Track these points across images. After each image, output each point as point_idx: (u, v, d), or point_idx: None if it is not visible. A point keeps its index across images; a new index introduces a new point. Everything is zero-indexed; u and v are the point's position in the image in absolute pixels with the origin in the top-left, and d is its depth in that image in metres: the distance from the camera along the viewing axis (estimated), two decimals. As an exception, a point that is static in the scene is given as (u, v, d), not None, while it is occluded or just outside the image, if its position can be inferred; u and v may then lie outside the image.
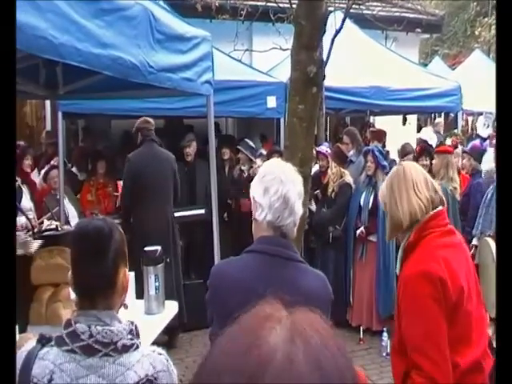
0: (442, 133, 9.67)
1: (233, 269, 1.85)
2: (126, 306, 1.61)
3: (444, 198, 2.18)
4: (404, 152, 6.97)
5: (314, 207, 5.70)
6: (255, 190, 1.81)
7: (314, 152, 5.85)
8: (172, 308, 3.56)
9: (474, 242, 5.04)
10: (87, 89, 4.23)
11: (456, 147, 6.10)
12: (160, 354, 1.48)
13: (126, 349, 1.41)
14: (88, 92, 4.37)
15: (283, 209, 1.75)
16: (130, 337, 1.43)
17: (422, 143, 6.98)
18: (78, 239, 1.52)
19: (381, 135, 7.51)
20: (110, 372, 1.37)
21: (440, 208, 2.11)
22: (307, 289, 1.77)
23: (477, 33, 22.96)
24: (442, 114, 10.80)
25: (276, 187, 1.75)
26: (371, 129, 8.34)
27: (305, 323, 0.68)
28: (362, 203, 5.34)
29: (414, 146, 7.42)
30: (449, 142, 7.25)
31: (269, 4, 7.36)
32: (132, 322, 1.49)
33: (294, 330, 0.66)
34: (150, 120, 5.15)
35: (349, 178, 5.65)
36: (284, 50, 6.23)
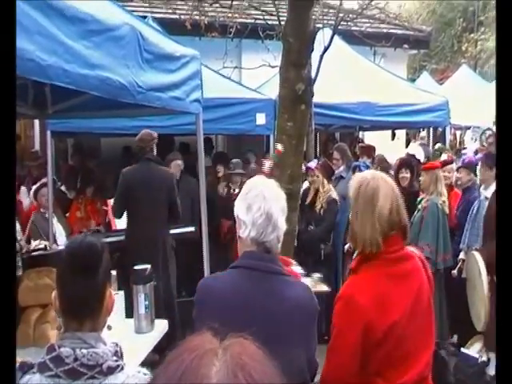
0: (428, 146, 9.76)
1: (218, 284, 1.87)
2: (109, 328, 1.59)
3: (407, 223, 2.09)
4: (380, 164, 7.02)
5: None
6: (239, 207, 1.83)
7: (304, 169, 5.88)
8: (162, 327, 3.53)
9: (462, 256, 5.06)
10: (76, 108, 4.24)
11: (452, 162, 6.13)
12: (145, 375, 1.47)
13: (112, 370, 1.40)
14: (77, 111, 4.38)
15: (266, 225, 1.77)
16: (115, 358, 1.42)
17: (407, 157, 7.02)
18: (69, 255, 1.50)
19: (370, 151, 7.57)
20: None
21: (394, 232, 2.03)
22: (293, 301, 1.79)
23: (463, 48, 23.31)
24: (431, 128, 10.92)
25: (259, 204, 1.77)
26: (360, 144, 8.40)
27: (242, 354, 0.68)
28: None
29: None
30: (444, 156, 7.28)
31: (258, 21, 7.43)
32: (117, 344, 1.47)
33: (233, 363, 0.66)
34: (147, 134, 5.10)
35: (335, 194, 5.67)
36: (273, 67, 6.27)
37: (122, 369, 1.42)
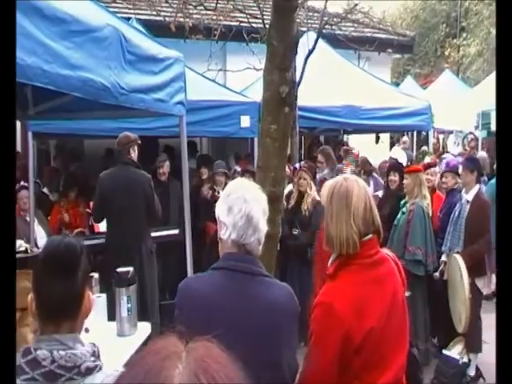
0: (410, 150, 9.86)
1: (199, 285, 1.86)
2: (87, 330, 1.57)
3: (380, 224, 2.09)
4: (363, 167, 7.09)
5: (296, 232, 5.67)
6: (220, 209, 1.83)
7: (289, 171, 5.89)
8: (145, 329, 3.51)
9: (443, 258, 5.11)
10: (58, 109, 4.20)
11: (432, 166, 6.19)
12: None
13: (90, 371, 1.38)
14: (59, 112, 4.33)
15: (247, 227, 1.77)
16: (93, 359, 1.41)
17: (393, 160, 7.09)
18: (48, 256, 1.47)
19: (354, 154, 7.60)
20: None
21: (370, 236, 2.04)
22: (273, 302, 1.79)
23: (446, 53, 23.59)
24: (414, 132, 11.03)
25: (239, 206, 1.77)
26: (344, 147, 8.45)
27: (205, 356, 0.68)
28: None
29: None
30: (428, 159, 7.35)
31: (242, 24, 7.44)
32: (94, 344, 1.46)
33: (196, 366, 0.66)
34: (127, 137, 5.07)
35: (318, 197, 5.69)
36: (258, 69, 6.28)
37: (101, 369, 1.41)
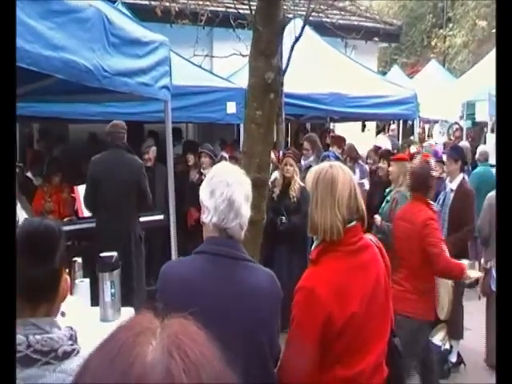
0: (396, 138, 9.93)
1: (181, 269, 1.86)
2: (63, 314, 1.55)
3: (364, 211, 2.09)
4: (349, 155, 7.13)
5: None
6: (203, 192, 1.83)
7: (274, 158, 5.89)
8: (129, 315, 3.49)
9: None
10: (41, 92, 4.12)
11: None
12: None
13: (68, 355, 1.36)
14: (42, 95, 4.26)
15: (228, 211, 1.77)
16: (70, 342, 1.39)
17: (376, 149, 7.13)
18: (27, 237, 1.44)
19: (341, 141, 7.62)
20: (51, 381, 1.32)
21: (354, 223, 2.05)
22: (256, 287, 1.80)
23: (433, 43, 23.66)
24: (400, 121, 11.07)
25: (221, 190, 1.77)
26: (332, 134, 8.46)
27: (180, 333, 0.67)
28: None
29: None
30: (414, 149, 7.40)
31: (229, 10, 7.37)
32: (71, 328, 1.44)
33: (170, 342, 0.65)
34: (120, 123, 5.03)
35: (303, 183, 5.70)
36: (244, 56, 6.23)
37: (78, 352, 1.40)
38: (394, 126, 10.63)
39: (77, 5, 2.55)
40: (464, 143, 9.06)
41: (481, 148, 8.34)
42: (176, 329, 0.68)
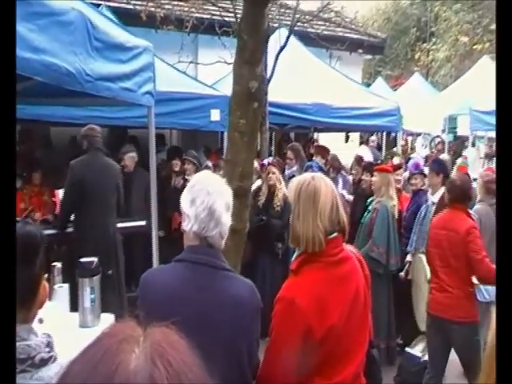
0: (377, 149, 10.02)
1: (161, 277, 1.86)
2: (41, 321, 1.52)
3: (345, 223, 2.12)
4: (332, 165, 7.16)
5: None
6: (184, 201, 1.83)
7: (258, 166, 5.88)
8: (108, 321, 3.44)
9: (409, 258, 5.18)
10: (22, 94, 4.05)
11: (401, 167, 6.29)
12: None
13: (45, 362, 1.35)
14: (23, 97, 4.19)
15: (209, 220, 1.77)
16: (47, 350, 1.37)
17: (359, 160, 7.18)
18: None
19: (324, 152, 7.63)
20: None
21: (335, 235, 2.05)
22: (235, 297, 1.79)
23: (416, 57, 23.99)
24: (384, 132, 11.16)
25: (202, 198, 1.77)
26: (316, 144, 8.49)
27: (162, 342, 0.69)
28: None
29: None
30: (396, 160, 7.45)
31: (214, 17, 7.38)
32: (49, 335, 1.42)
33: (152, 350, 0.66)
34: (97, 128, 5.01)
35: (287, 191, 5.71)
36: (229, 63, 6.23)
37: (55, 360, 1.37)
38: (374, 138, 10.73)
39: (59, 7, 2.51)
40: (444, 156, 9.19)
41: (459, 161, 8.47)
42: (159, 337, 0.69)
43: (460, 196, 4.01)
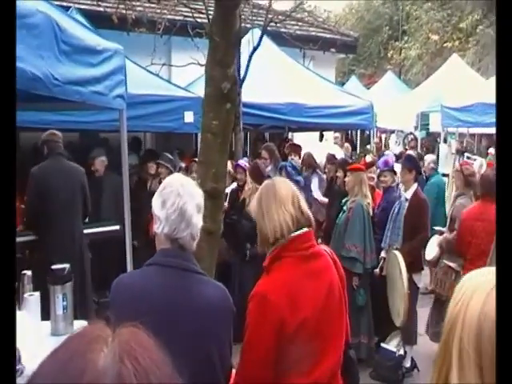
0: (341, 147, 10.08)
1: (132, 280, 1.87)
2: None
3: (312, 219, 2.17)
4: (307, 163, 7.21)
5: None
6: (155, 203, 1.83)
7: (230, 167, 5.89)
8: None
9: (383, 254, 5.24)
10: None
11: (373, 165, 6.35)
12: None
13: None
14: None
15: (179, 221, 1.77)
16: None
17: (331, 158, 7.23)
18: None
19: (298, 149, 7.65)
20: None
21: (305, 230, 2.08)
22: (207, 300, 1.80)
23: (389, 55, 24.27)
24: (358, 131, 11.25)
25: (173, 200, 1.78)
26: (290, 143, 8.51)
27: (131, 340, 0.70)
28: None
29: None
30: (369, 158, 7.52)
31: (187, 19, 7.35)
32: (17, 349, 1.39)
33: (121, 349, 0.68)
34: (57, 133, 4.91)
35: None
36: (202, 65, 6.17)
37: (22, 373, 1.35)
38: (337, 134, 10.78)
39: (24, 9, 2.47)
40: (410, 152, 9.33)
41: (431, 158, 8.58)
42: (127, 337, 0.71)
43: (491, 189, 4.33)
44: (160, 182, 6.25)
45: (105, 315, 0.79)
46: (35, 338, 2.86)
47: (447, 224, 5.53)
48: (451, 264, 5.10)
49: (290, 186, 2.15)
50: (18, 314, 2.05)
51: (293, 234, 2.05)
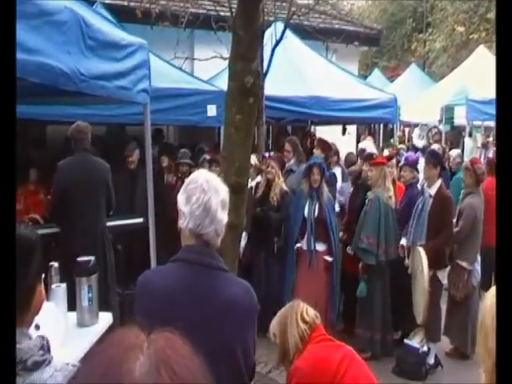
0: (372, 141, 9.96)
1: (157, 277, 1.86)
2: (37, 327, 1.51)
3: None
4: (349, 162, 7.17)
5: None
6: (179, 198, 1.83)
7: (256, 160, 5.89)
8: (106, 320, 3.46)
9: (402, 242, 5.19)
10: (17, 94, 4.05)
11: (392, 158, 6.29)
12: (74, 367, 1.41)
13: (38, 365, 1.32)
14: (18, 97, 4.19)
15: (204, 217, 1.77)
16: (41, 352, 1.35)
17: (361, 152, 7.14)
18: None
19: (326, 146, 7.50)
20: None
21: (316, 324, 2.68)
22: (231, 298, 1.79)
23: (413, 47, 23.91)
24: (381, 124, 11.14)
25: (197, 195, 1.77)
26: (319, 137, 8.42)
27: (166, 347, 0.69)
28: (305, 214, 5.33)
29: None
30: (386, 152, 7.45)
31: (210, 12, 7.35)
32: (43, 337, 1.41)
33: (157, 358, 0.67)
34: (85, 126, 4.98)
35: (285, 186, 5.73)
36: (225, 58, 6.20)
37: (50, 362, 1.36)
38: (352, 127, 10.64)
39: (52, 7, 2.50)
40: (434, 146, 9.18)
41: (456, 152, 8.45)
42: (162, 344, 0.70)
43: None
44: (176, 176, 6.32)
45: (138, 320, 0.78)
46: (62, 329, 2.93)
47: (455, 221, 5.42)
48: (463, 264, 5.05)
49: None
50: (46, 304, 2.09)
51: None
